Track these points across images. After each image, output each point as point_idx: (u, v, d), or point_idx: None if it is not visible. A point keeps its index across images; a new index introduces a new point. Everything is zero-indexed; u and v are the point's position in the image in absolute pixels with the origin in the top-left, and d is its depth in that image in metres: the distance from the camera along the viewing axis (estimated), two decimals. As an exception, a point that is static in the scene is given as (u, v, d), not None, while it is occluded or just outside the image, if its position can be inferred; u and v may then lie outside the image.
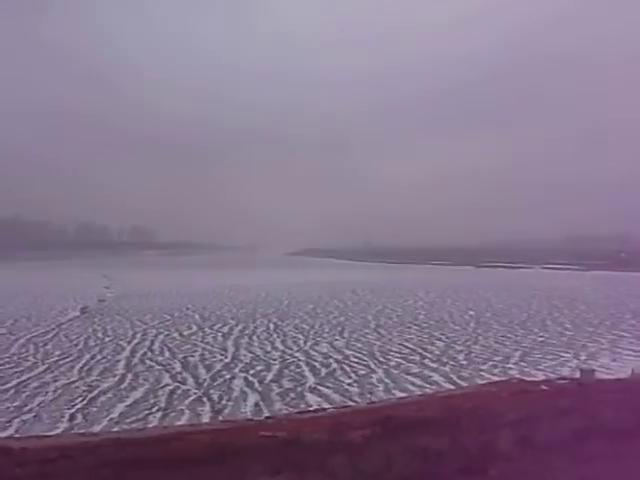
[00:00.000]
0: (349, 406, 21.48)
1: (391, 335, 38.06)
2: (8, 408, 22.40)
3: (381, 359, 30.40)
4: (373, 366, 28.75)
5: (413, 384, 25.17)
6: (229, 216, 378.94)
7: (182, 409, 22.13)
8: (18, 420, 20.87)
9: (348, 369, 28.21)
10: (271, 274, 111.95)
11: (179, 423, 20.18)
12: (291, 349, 33.54)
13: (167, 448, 11.39)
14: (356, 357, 31.05)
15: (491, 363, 29.27)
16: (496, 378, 23.99)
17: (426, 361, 29.95)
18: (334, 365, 29.11)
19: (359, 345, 34.52)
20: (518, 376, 23.14)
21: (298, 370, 28.18)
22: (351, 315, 48.37)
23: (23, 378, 27.15)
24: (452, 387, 23.81)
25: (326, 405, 22.15)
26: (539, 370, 26.93)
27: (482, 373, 26.88)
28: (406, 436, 11.36)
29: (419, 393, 23.00)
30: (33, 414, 21.62)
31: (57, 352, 33.44)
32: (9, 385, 25.87)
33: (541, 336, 37.00)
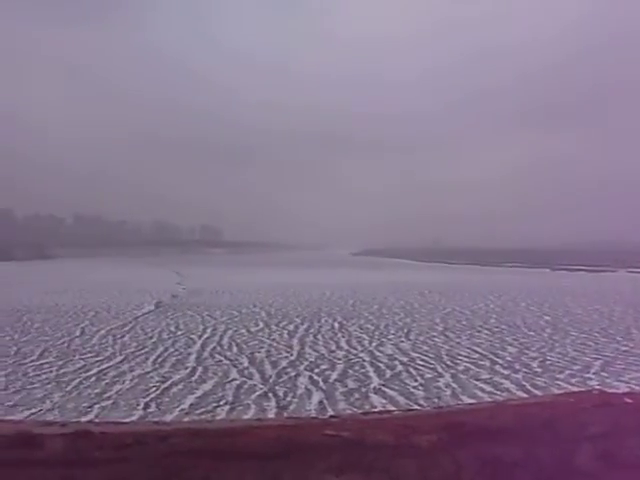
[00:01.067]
0: (415, 409, 20.96)
1: (459, 339, 36.92)
2: (89, 394, 23.87)
3: (449, 363, 29.56)
4: (440, 370, 28.01)
5: (482, 390, 24.24)
6: (293, 216, 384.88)
7: (248, 403, 22.60)
8: (98, 406, 22.17)
9: (414, 372, 27.67)
10: (336, 274, 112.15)
11: (246, 417, 20.65)
12: (356, 349, 33.39)
13: (235, 440, 11.62)
14: (422, 360, 30.39)
15: (568, 372, 27.60)
16: (574, 388, 22.58)
17: (497, 367, 28.77)
18: (399, 367, 28.65)
19: (425, 348, 33.77)
20: (599, 387, 21.70)
21: (362, 370, 27.99)
22: (418, 317, 47.46)
23: (103, 367, 28.85)
24: (525, 395, 22.69)
25: (391, 407, 21.81)
26: (622, 381, 25.04)
27: (558, 382, 25.39)
28: (476, 444, 10.92)
29: (489, 400, 22.12)
30: (111, 401, 22.89)
31: (133, 344, 35.27)
32: (90, 373, 27.58)
33: (625, 345, 34.43)
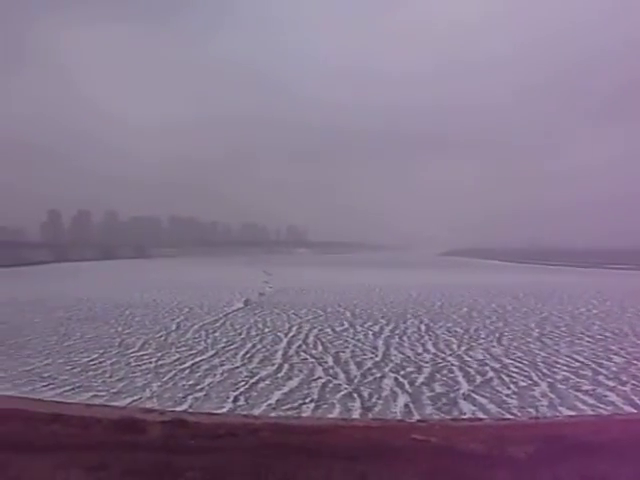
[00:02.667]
0: (508, 419, 19.96)
1: (558, 346, 34.53)
2: (184, 385, 25.23)
3: (545, 371, 27.71)
4: (536, 378, 26.33)
5: (584, 402, 22.45)
6: (378, 216, 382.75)
7: (333, 402, 22.65)
8: (191, 397, 23.37)
9: (507, 379, 26.24)
10: (422, 274, 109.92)
11: (331, 416, 20.72)
12: (443, 352, 32.35)
13: (322, 439, 11.66)
14: (516, 367, 28.75)
15: (685, 387, 24.82)
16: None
17: (600, 378, 26.51)
18: (491, 373, 27.31)
19: (519, 354, 31.93)
20: None
21: (451, 375, 27.02)
22: (511, 321, 45.07)
23: (196, 360, 30.36)
24: (634, 411, 20.72)
25: (481, 415, 20.88)
26: None
27: (673, 398, 22.92)
28: (579, 460, 10.05)
29: (592, 413, 20.45)
30: (204, 393, 24.02)
31: (224, 339, 36.81)
32: (185, 365, 29.15)
33: None
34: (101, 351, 32.90)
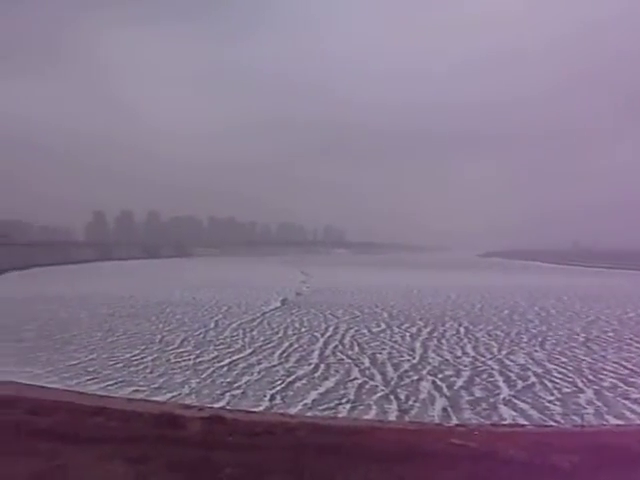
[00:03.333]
0: (551, 426, 19.33)
1: (605, 351, 33.21)
2: (222, 383, 25.62)
3: (591, 378, 26.70)
4: (581, 385, 25.41)
5: (633, 412, 21.49)
6: (417, 217, 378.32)
7: (370, 404, 22.50)
8: (229, 394, 23.69)
9: (549, 384, 25.42)
10: (461, 276, 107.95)
11: (367, 417, 20.60)
12: (483, 356, 31.63)
13: (359, 440, 11.59)
14: (560, 372, 27.82)
15: None
16: None
17: (651, 386, 25.34)
18: (533, 378, 26.52)
19: (563, 359, 30.89)
20: None
21: (491, 379, 26.39)
22: (554, 325, 43.67)
23: (234, 358, 30.77)
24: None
25: (522, 421, 20.31)
26: None
27: None
28: (625, 470, 9.62)
29: (641, 422, 19.57)
30: (241, 390, 24.32)
31: (261, 338, 37.18)
32: (223, 363, 29.59)
33: None
34: (142, 347, 33.81)
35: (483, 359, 30.79)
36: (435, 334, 39.04)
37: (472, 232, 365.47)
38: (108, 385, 25.03)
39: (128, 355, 31.54)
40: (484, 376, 26.93)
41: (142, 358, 30.79)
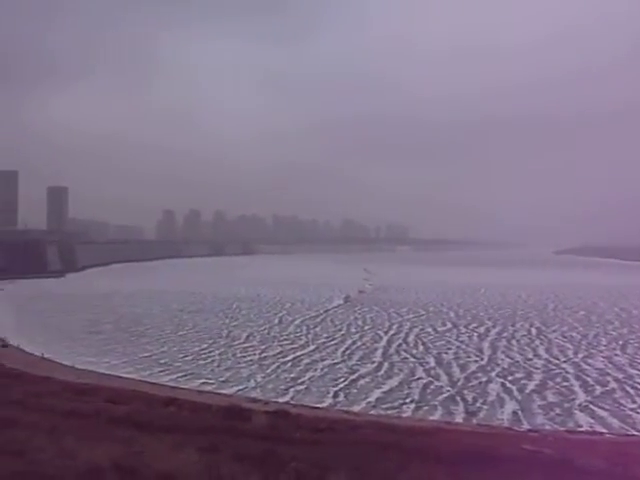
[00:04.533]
0: (634, 435, 18.06)
1: (693, 358, 30.63)
2: (286, 378, 25.99)
3: (679, 385, 24.71)
4: (667, 392, 23.56)
5: None
6: (486, 212, 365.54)
7: (435, 404, 22.02)
8: (293, 390, 23.99)
9: (631, 391, 23.76)
10: (534, 274, 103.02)
11: (432, 418, 20.15)
12: (557, 359, 30.07)
13: (423, 440, 11.32)
14: (642, 378, 25.94)
15: None
16: None
17: None
18: (612, 384, 24.89)
19: (646, 364, 28.80)
20: None
21: (565, 384, 25.04)
22: (637, 327, 40.79)
23: (297, 354, 31.13)
24: None
25: (601, 429, 19.11)
26: None
27: None
28: None
29: None
30: (305, 386, 24.56)
31: (324, 335, 37.37)
32: (287, 358, 30.00)
33: None
34: (210, 341, 34.98)
35: (557, 362, 29.27)
36: (505, 334, 37.58)
37: (548, 226, 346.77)
38: (178, 377, 26.09)
39: (197, 349, 32.73)
40: (558, 380, 25.59)
41: (210, 352, 31.85)
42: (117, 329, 40.00)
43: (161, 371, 27.31)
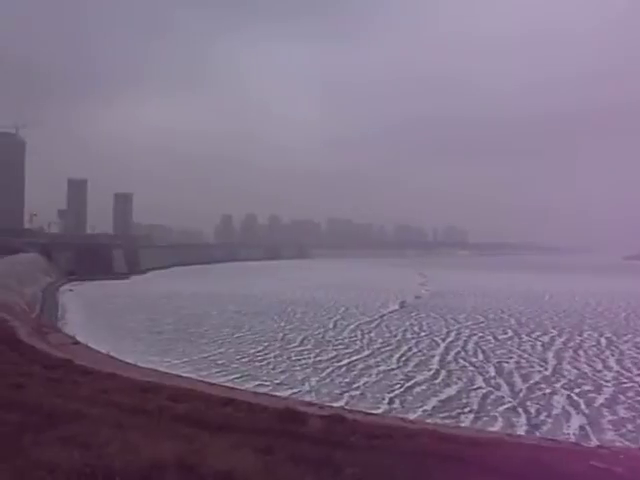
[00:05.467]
0: None
1: None
2: (340, 383, 25.89)
3: None
4: None
5: None
6: (552, 213, 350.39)
7: (495, 415, 21.22)
8: (348, 395, 23.84)
9: None
10: (603, 280, 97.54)
11: (492, 429, 19.41)
12: (629, 371, 28.27)
13: (484, 452, 10.89)
14: None
15: None
16: None
17: None
18: (693, 401, 23.09)
19: None
20: None
21: (639, 398, 23.47)
22: None
23: (352, 359, 30.94)
24: None
25: (680, 448, 17.71)
26: None
27: None
28: None
29: None
30: (359, 392, 24.34)
31: (379, 340, 36.98)
32: (342, 363, 29.89)
33: None
34: (266, 344, 35.45)
35: (629, 375, 27.49)
36: (571, 344, 35.74)
37: (617, 230, 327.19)
38: (235, 378, 26.58)
39: (253, 351, 33.26)
40: (630, 394, 24.01)
41: (265, 354, 32.28)
42: (177, 330, 41.37)
43: (218, 372, 27.94)
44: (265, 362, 30.29)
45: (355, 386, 25.21)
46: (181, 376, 25.82)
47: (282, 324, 44.25)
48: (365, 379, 26.46)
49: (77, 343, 30.03)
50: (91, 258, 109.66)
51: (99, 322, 45.33)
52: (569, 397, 23.51)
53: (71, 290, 74.11)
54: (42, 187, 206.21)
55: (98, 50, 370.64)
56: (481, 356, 31.97)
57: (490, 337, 38.30)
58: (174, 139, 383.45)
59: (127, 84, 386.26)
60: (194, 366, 29.05)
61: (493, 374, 27.59)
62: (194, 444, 6.41)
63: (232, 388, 23.53)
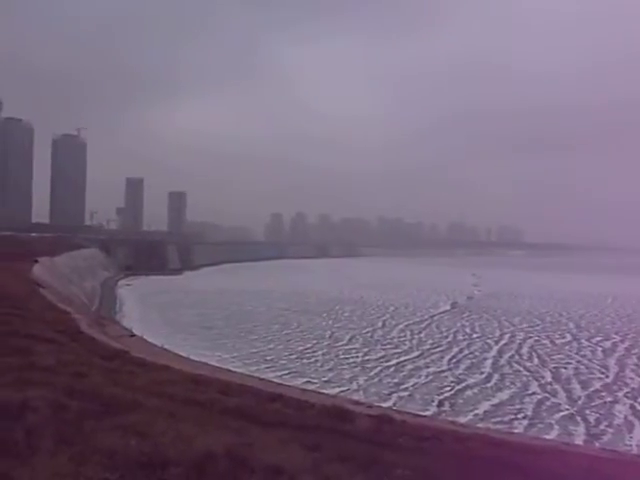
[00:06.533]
0: None
1: None
2: (388, 383, 25.62)
3: None
4: None
5: None
6: (619, 213, 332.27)
7: (551, 423, 20.38)
8: (396, 395, 23.55)
9: None
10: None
11: (548, 437, 18.65)
12: (699, 382, 26.46)
13: (538, 460, 10.47)
14: None
15: None
16: None
17: None
18: None
19: None
20: None
21: None
22: None
23: (401, 359, 30.55)
24: None
25: None
26: None
27: None
28: None
29: None
30: (408, 393, 24.00)
31: (429, 341, 36.34)
32: (390, 363, 29.57)
33: None
34: (314, 341, 35.61)
35: (700, 386, 25.73)
36: (635, 351, 33.84)
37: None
38: (283, 374, 26.85)
39: (301, 348, 33.49)
40: (701, 406, 22.46)
41: (313, 352, 32.42)
42: (227, 325, 42.27)
43: (267, 367, 28.31)
44: (313, 359, 30.44)
45: (404, 387, 24.89)
46: (231, 370, 26.35)
47: (330, 322, 44.32)
48: (414, 380, 26.07)
49: (133, 335, 31.16)
50: (147, 254, 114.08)
51: (153, 316, 46.98)
52: (632, 407, 22.28)
53: (128, 285, 77.30)
54: (102, 186, 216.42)
55: (151, 53, 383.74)
56: (536, 360, 30.80)
57: (547, 341, 36.86)
58: (223, 141, 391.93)
59: (182, 89, 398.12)
60: (243, 361, 29.58)
61: (549, 380, 26.53)
62: (244, 437, 6.49)
63: (280, 384, 23.76)
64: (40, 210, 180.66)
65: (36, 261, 54.35)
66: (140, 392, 9.87)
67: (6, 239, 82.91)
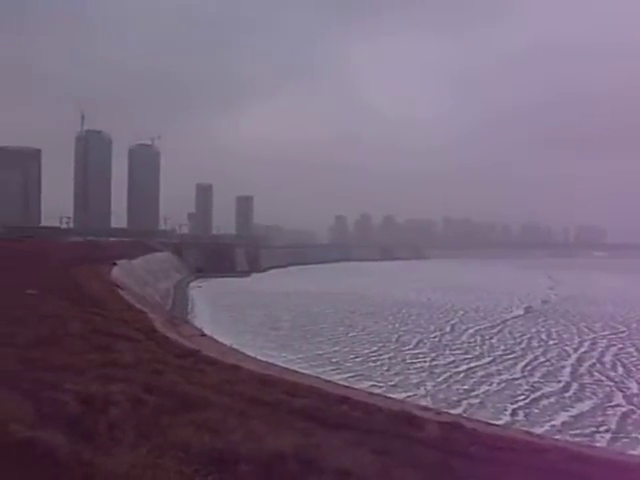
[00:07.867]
0: None
1: None
2: (458, 389, 24.82)
3: None
4: None
5: None
6: None
7: (637, 437, 18.93)
8: (466, 402, 22.77)
9: None
10: None
11: (634, 452, 17.31)
12: None
13: (626, 477, 9.72)
14: None
15: None
16: None
17: None
18: None
19: None
20: None
21: None
22: None
23: (471, 365, 29.54)
24: None
25: None
26: None
27: None
28: None
29: None
30: (479, 400, 23.14)
31: (501, 347, 34.91)
32: (459, 369, 28.67)
33: None
34: (380, 345, 35.23)
35: None
36: None
37: None
38: (349, 377, 26.73)
39: (366, 351, 33.24)
40: None
41: (379, 355, 32.07)
42: (294, 327, 42.78)
43: (333, 370, 28.33)
44: (379, 363, 30.11)
45: (474, 394, 24.02)
46: (297, 371, 26.60)
47: (396, 325, 43.74)
48: (485, 387, 25.12)
49: (204, 335, 32.24)
50: (216, 257, 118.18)
51: (223, 316, 48.46)
52: None
53: (199, 286, 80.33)
54: (174, 192, 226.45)
55: (213, 60, 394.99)
56: (621, 370, 28.76)
57: (632, 349, 34.36)
58: (285, 145, 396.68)
59: (244, 94, 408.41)
60: (310, 363, 29.77)
61: (636, 391, 24.68)
62: (311, 439, 6.48)
63: (347, 387, 23.69)
64: (118, 216, 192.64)
65: (115, 264, 57.82)
66: (211, 390, 10.17)
67: (88, 244, 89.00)
